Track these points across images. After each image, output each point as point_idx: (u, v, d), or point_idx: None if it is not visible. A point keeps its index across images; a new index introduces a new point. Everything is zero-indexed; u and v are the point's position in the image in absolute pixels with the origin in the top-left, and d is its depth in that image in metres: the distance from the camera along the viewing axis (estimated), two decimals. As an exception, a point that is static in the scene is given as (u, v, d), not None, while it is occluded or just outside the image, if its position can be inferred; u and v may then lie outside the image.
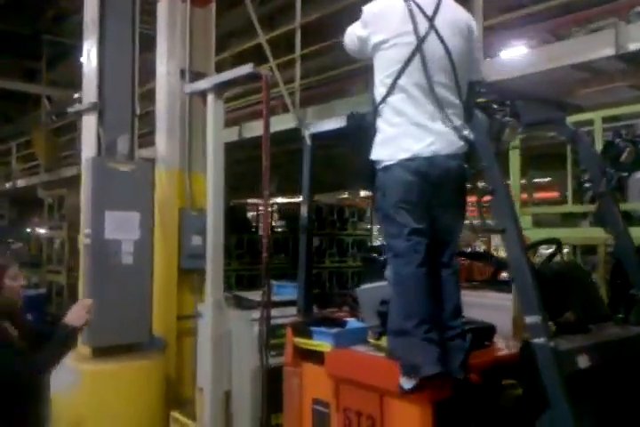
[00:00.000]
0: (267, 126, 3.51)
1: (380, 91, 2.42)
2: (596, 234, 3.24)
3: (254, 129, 6.75)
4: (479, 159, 2.24)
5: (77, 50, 12.27)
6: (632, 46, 3.56)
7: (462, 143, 2.35)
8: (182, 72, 5.05)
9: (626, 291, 2.66)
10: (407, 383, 2.28)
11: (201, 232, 5.16)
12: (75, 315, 2.36)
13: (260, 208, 13.27)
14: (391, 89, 2.36)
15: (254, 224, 11.50)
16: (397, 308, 2.35)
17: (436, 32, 2.38)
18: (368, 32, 2.46)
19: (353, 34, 2.57)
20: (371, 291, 2.66)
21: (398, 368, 2.34)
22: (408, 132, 2.35)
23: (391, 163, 2.36)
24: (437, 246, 2.41)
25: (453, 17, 2.47)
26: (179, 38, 5.07)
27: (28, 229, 10.06)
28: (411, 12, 2.37)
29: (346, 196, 13.24)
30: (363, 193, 12.52)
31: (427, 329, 2.27)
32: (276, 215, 11.41)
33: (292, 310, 4.05)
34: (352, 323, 2.98)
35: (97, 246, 4.49)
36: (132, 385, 4.48)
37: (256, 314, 3.94)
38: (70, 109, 5.08)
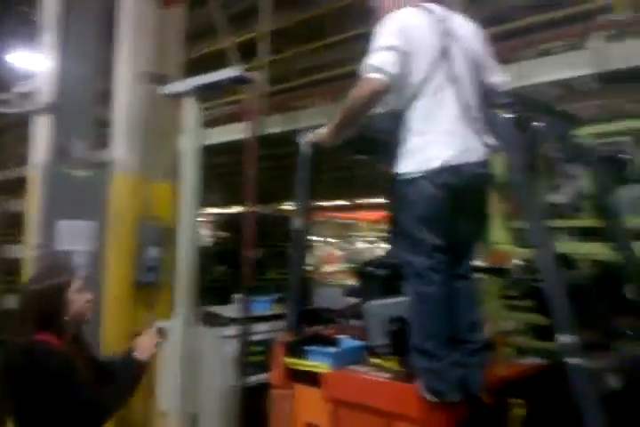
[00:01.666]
0: (255, 133, 3.35)
1: (406, 97, 2.30)
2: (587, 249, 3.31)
3: (212, 136, 6.52)
4: (506, 170, 2.19)
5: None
6: (611, 66, 3.69)
7: (487, 150, 2.28)
8: (146, 74, 4.79)
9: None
10: (429, 397, 2.20)
11: (159, 244, 4.89)
12: (144, 348, 2.07)
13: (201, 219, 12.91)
14: (418, 93, 2.26)
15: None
16: (419, 327, 2.24)
17: (455, 33, 2.36)
18: (403, 42, 2.27)
19: (390, 56, 2.23)
20: (379, 308, 2.54)
21: (412, 389, 2.24)
22: (438, 140, 2.24)
23: (416, 175, 2.23)
24: (457, 258, 2.33)
25: (463, 21, 2.47)
26: (143, 39, 4.81)
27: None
28: (430, 15, 2.35)
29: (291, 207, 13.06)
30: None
31: (448, 351, 2.20)
32: (211, 226, 11.07)
33: (264, 326, 3.88)
34: (347, 341, 2.84)
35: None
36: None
37: (228, 331, 3.74)
38: (19, 109, 4.70)
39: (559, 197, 3.75)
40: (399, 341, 2.40)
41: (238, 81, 3.48)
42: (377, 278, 2.77)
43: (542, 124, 2.22)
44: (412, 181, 2.25)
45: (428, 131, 2.26)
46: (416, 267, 2.24)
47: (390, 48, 2.24)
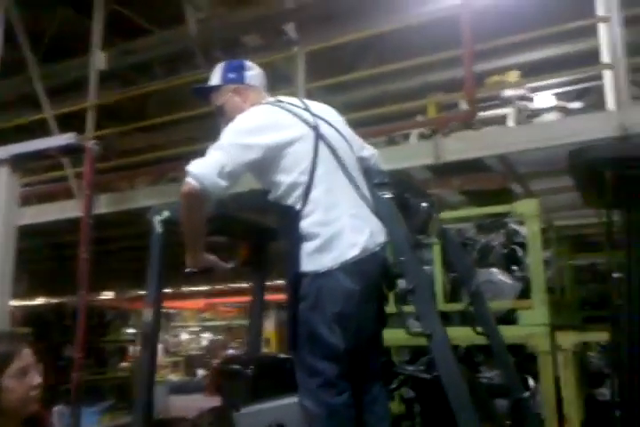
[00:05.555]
0: (88, 213, 2.89)
1: (296, 193, 2.05)
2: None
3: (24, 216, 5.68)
4: (395, 253, 2.04)
5: None
6: (449, 157, 3.95)
7: (385, 230, 2.10)
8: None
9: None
10: None
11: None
12: None
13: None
14: (310, 184, 2.04)
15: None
16: None
17: (321, 117, 2.26)
18: (267, 138, 2.09)
19: (217, 166, 1.99)
20: (255, 415, 2.15)
21: None
22: (347, 226, 2.01)
23: (332, 268, 1.96)
24: (365, 358, 2.08)
25: (320, 106, 2.38)
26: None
27: None
28: (289, 108, 2.22)
29: (109, 296, 11.86)
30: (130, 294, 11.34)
31: None
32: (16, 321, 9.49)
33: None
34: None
35: None
36: None
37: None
38: None
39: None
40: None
41: (70, 150, 2.98)
42: (240, 377, 2.40)
43: (428, 205, 2.18)
44: (325, 275, 1.96)
45: (332, 220, 2.02)
46: (324, 374, 1.92)
47: (227, 153, 2.03)
